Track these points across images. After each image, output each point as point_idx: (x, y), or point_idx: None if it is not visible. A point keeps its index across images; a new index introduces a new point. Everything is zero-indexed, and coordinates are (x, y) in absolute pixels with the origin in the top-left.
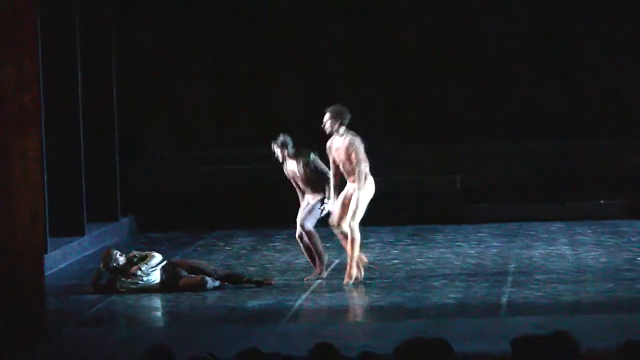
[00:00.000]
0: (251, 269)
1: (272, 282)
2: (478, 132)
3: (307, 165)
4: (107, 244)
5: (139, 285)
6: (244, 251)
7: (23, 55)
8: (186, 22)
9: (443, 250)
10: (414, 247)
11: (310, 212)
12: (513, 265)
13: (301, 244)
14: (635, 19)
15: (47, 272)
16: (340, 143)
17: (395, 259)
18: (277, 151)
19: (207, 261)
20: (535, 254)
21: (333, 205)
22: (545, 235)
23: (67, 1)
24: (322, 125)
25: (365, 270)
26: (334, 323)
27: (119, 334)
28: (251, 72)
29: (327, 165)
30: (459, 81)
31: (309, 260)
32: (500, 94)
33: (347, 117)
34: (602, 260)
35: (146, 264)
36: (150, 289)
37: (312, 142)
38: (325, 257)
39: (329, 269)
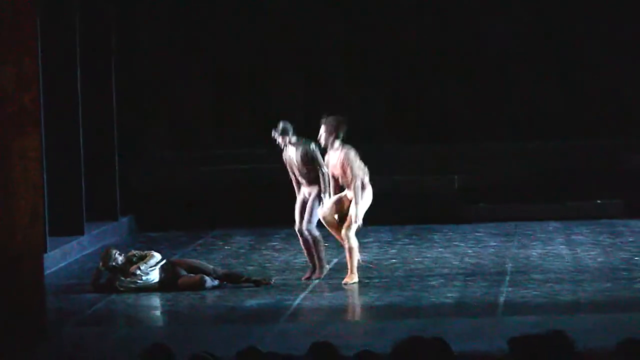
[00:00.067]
0: (250, 268)
1: (271, 282)
2: (478, 132)
3: (306, 154)
4: (107, 244)
5: (138, 284)
6: (242, 250)
7: (23, 55)
8: (186, 22)
9: (441, 249)
10: (412, 246)
11: (311, 214)
12: (511, 265)
13: (300, 239)
14: (635, 19)
15: (47, 271)
16: (336, 159)
17: (394, 259)
18: (279, 138)
19: (206, 260)
20: (533, 253)
21: (328, 199)
22: (542, 235)
23: (67, 1)
24: (318, 137)
25: (363, 270)
26: (333, 322)
27: (119, 333)
28: (251, 72)
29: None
30: (459, 81)
31: (306, 256)
32: (500, 94)
33: (343, 130)
34: (600, 259)
35: (145, 263)
36: (149, 288)
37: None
38: (326, 267)
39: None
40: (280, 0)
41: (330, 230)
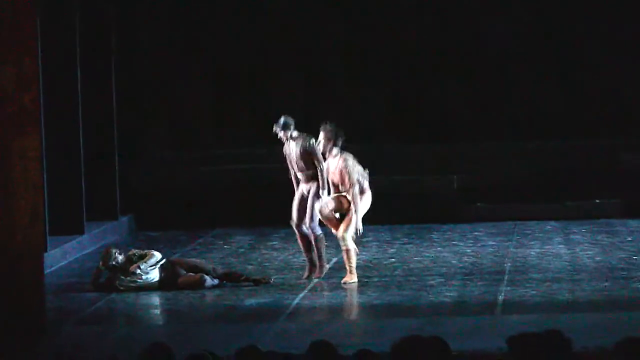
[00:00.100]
0: (249, 267)
1: (270, 281)
2: (478, 132)
3: (305, 148)
4: (107, 243)
5: (138, 283)
6: (242, 250)
7: (23, 55)
8: (186, 22)
9: (440, 249)
10: (411, 246)
11: (312, 212)
12: (509, 264)
13: (298, 235)
14: (635, 19)
15: (47, 271)
16: (334, 166)
17: (393, 258)
18: (280, 132)
19: (205, 260)
20: (532, 253)
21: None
22: (541, 235)
23: (67, 1)
24: (317, 143)
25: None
26: (332, 321)
27: (119, 332)
28: (251, 72)
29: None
30: (459, 81)
31: (303, 253)
32: (500, 94)
33: (341, 139)
34: (598, 259)
35: (145, 262)
36: (149, 288)
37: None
38: (326, 267)
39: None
40: (280, 0)
41: (327, 224)
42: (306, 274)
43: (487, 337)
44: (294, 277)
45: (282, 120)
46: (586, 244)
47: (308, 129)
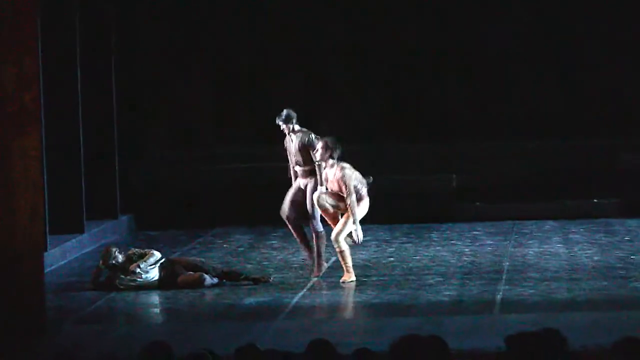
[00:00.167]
0: (249, 266)
1: (270, 280)
2: (477, 132)
3: (305, 142)
4: (107, 242)
5: (137, 282)
6: (241, 249)
7: (23, 55)
8: (186, 22)
9: (438, 248)
10: (409, 245)
11: (312, 211)
12: (507, 264)
13: (289, 225)
14: (635, 19)
15: (47, 269)
16: (332, 175)
17: (391, 257)
18: (282, 125)
19: (205, 259)
20: (530, 252)
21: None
22: (539, 234)
23: (67, 1)
24: (314, 151)
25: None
26: (331, 320)
27: (118, 330)
28: (251, 72)
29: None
30: (459, 81)
31: (299, 243)
32: (500, 94)
33: (338, 151)
34: (596, 258)
35: (145, 261)
36: (149, 287)
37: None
38: (324, 265)
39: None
40: (280, 0)
41: (321, 212)
42: (309, 269)
43: (485, 336)
44: (293, 276)
45: (284, 112)
46: (585, 244)
47: (308, 129)
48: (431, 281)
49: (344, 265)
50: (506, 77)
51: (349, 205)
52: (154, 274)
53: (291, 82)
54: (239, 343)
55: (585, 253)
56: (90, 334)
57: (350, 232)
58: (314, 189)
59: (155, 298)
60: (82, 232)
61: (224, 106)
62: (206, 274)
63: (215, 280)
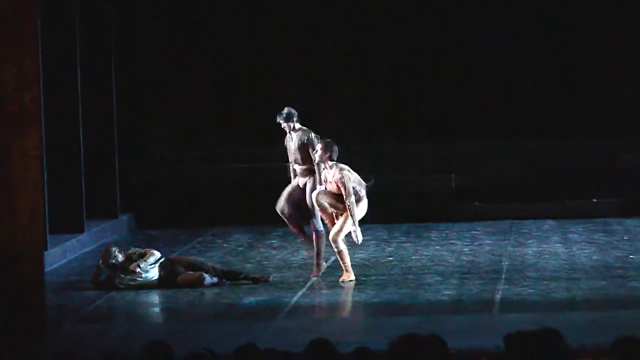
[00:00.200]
0: (248, 265)
1: (269, 279)
2: (477, 132)
3: (304, 141)
4: (107, 241)
5: (137, 282)
6: (241, 248)
7: (23, 55)
8: (186, 22)
9: (437, 247)
10: (408, 244)
11: (313, 210)
12: (506, 263)
13: (283, 216)
14: (635, 19)
15: (47, 269)
16: (331, 177)
17: (390, 257)
18: (283, 123)
19: (205, 258)
20: (529, 251)
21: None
22: (538, 233)
23: (67, 1)
24: (314, 151)
25: (359, 268)
26: (330, 319)
27: (118, 329)
28: (251, 72)
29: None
30: (459, 81)
31: (296, 233)
32: (500, 94)
33: (336, 154)
34: (595, 258)
35: (145, 261)
36: (148, 286)
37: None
38: (323, 265)
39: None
40: (280, 0)
41: (319, 211)
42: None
43: (484, 335)
44: (293, 275)
45: (285, 111)
46: (583, 243)
47: (308, 128)
48: (430, 280)
49: (342, 265)
50: (506, 77)
51: (349, 206)
52: (153, 273)
53: (291, 82)
54: (239, 342)
55: (584, 253)
56: (90, 333)
57: (349, 233)
58: (313, 188)
59: (155, 297)
60: (82, 231)
61: (224, 106)
62: (206, 273)
63: (215, 279)
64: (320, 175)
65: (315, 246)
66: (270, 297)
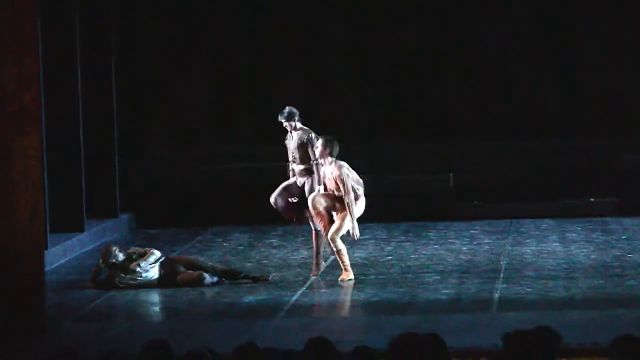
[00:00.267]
0: (248, 265)
1: (269, 278)
2: (477, 132)
3: (303, 140)
4: (107, 241)
5: (137, 281)
6: (241, 247)
7: (23, 55)
8: (186, 22)
9: (436, 247)
10: (407, 243)
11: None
12: (505, 262)
13: (275, 207)
14: (635, 19)
15: (47, 268)
16: (330, 173)
17: (389, 256)
18: (284, 121)
19: (205, 257)
20: (527, 251)
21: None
22: (536, 233)
23: (67, 1)
24: (314, 147)
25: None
26: (329, 318)
27: (118, 328)
28: (251, 72)
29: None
30: (459, 81)
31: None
32: (500, 94)
33: (337, 150)
34: (593, 257)
35: (145, 260)
36: (149, 285)
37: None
38: (323, 264)
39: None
40: (280, 0)
41: (316, 219)
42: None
43: (483, 334)
44: (292, 274)
45: (286, 110)
46: (581, 242)
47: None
48: (429, 279)
49: (341, 264)
50: (506, 77)
51: (347, 202)
52: (153, 272)
53: (291, 82)
54: (239, 341)
55: (582, 252)
56: (90, 332)
57: (348, 231)
58: (312, 188)
59: (154, 296)
60: (82, 230)
61: (224, 106)
62: (206, 272)
63: (215, 278)
64: (319, 176)
65: (314, 245)
66: (270, 296)
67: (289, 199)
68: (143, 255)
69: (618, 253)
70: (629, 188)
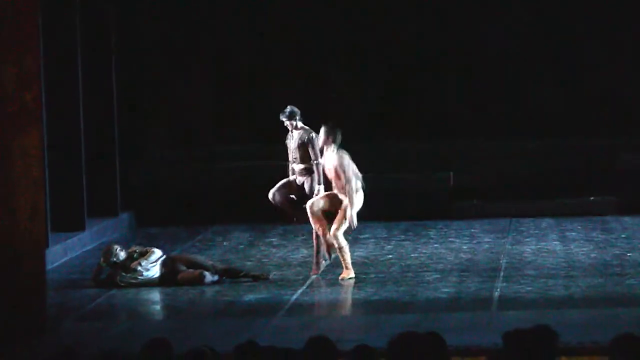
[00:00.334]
0: (248, 263)
1: (269, 277)
2: (477, 132)
3: (304, 140)
4: (107, 239)
5: (138, 280)
6: (241, 246)
7: (24, 54)
8: (186, 22)
9: (436, 245)
10: (407, 242)
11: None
12: (505, 261)
13: (274, 204)
14: (635, 19)
15: (48, 267)
16: (330, 163)
17: (389, 254)
18: (285, 121)
19: (205, 256)
20: (527, 249)
21: (319, 192)
22: (536, 232)
23: (67, 1)
24: (315, 147)
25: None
26: (330, 317)
27: (119, 327)
28: (251, 72)
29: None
30: (459, 81)
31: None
32: (500, 94)
33: (339, 138)
34: (592, 255)
35: (146, 259)
36: (149, 284)
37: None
38: (323, 263)
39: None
40: (280, 0)
41: (312, 220)
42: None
43: (483, 332)
44: (293, 273)
45: (288, 109)
46: (581, 241)
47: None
48: (429, 278)
49: (343, 262)
50: (506, 77)
51: (347, 191)
52: (154, 271)
53: (291, 82)
54: (239, 340)
55: (582, 250)
56: (91, 331)
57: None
58: (311, 187)
59: (155, 295)
60: (83, 229)
61: (224, 106)
62: (206, 271)
63: (215, 277)
64: (319, 175)
65: (314, 244)
66: (270, 294)
67: (288, 196)
68: (144, 254)
69: (617, 252)
70: (629, 188)
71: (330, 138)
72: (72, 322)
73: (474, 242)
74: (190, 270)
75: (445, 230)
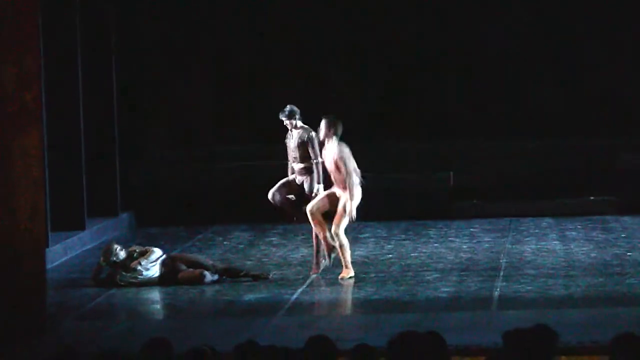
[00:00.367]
0: (248, 263)
1: (269, 276)
2: (477, 131)
3: (303, 140)
4: (107, 239)
5: (138, 279)
6: (241, 246)
7: (24, 54)
8: (186, 22)
9: (436, 245)
10: (407, 242)
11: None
12: (505, 260)
13: (274, 204)
14: (635, 19)
15: (49, 266)
16: (331, 155)
17: (390, 254)
18: (285, 120)
19: (205, 255)
20: (527, 249)
21: (318, 191)
22: (536, 231)
23: (67, 1)
24: (317, 130)
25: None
26: (330, 316)
27: (119, 327)
28: (251, 72)
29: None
30: (459, 81)
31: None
32: (500, 94)
33: (340, 130)
34: (592, 255)
35: (146, 259)
36: (149, 283)
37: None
38: (323, 262)
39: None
40: (280, 0)
41: (312, 223)
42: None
43: (482, 332)
44: (293, 272)
45: (287, 108)
46: (581, 241)
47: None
48: (429, 278)
49: (343, 261)
50: (506, 77)
51: (348, 184)
52: (154, 271)
53: (291, 82)
54: (239, 339)
55: (582, 250)
56: (91, 330)
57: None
58: (311, 187)
59: (155, 295)
60: (83, 229)
61: (224, 106)
62: (206, 270)
63: (215, 277)
64: (318, 175)
65: (314, 244)
66: (270, 294)
67: (287, 196)
68: (144, 254)
69: (617, 251)
70: (629, 188)
71: (331, 130)
72: (72, 322)
73: (474, 241)
74: (190, 269)
75: (446, 229)
